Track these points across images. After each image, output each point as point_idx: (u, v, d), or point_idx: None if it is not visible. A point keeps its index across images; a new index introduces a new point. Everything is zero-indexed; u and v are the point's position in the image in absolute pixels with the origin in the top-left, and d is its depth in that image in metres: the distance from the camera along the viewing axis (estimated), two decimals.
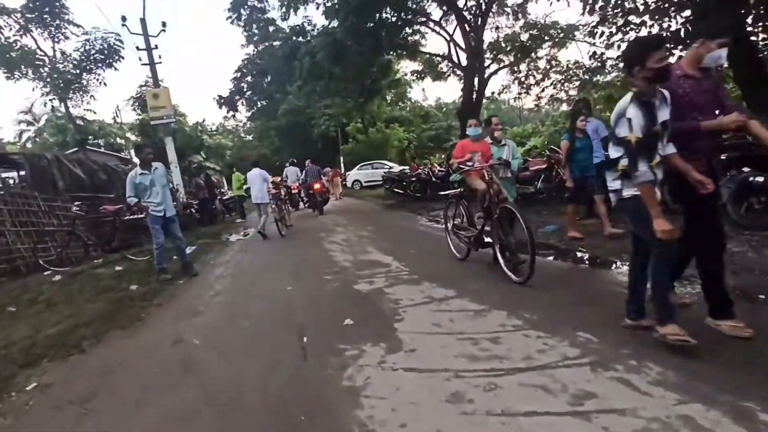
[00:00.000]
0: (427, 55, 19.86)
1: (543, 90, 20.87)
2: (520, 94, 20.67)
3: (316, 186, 11.98)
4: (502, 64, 18.59)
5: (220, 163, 41.35)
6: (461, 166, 5.06)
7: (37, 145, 40.84)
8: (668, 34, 11.68)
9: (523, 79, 19.40)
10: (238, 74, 18.51)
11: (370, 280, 5.12)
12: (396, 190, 15.26)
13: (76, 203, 8.63)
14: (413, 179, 14.94)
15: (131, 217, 8.54)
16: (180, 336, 3.87)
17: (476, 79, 17.42)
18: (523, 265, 4.42)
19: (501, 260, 4.67)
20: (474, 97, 17.47)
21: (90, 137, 40.41)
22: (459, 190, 5.54)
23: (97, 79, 14.27)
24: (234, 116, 19.32)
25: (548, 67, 20.20)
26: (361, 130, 35.09)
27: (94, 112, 14.04)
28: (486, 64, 17.86)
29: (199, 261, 7.61)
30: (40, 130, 44.77)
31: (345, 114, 34.76)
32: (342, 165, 32.13)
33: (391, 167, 24.57)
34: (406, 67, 21.75)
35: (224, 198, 17.43)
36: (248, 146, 54.57)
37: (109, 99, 62.42)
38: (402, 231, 8.91)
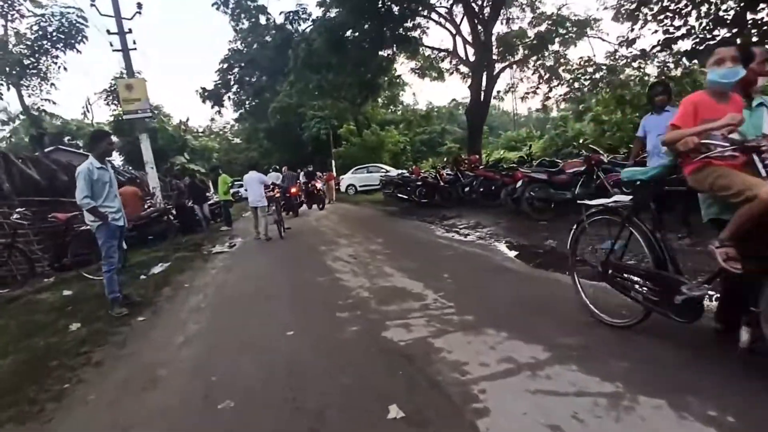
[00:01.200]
0: (431, 50, 18.51)
1: (551, 90, 19.69)
2: (527, 93, 19.41)
3: (293, 190, 11.92)
4: (511, 60, 17.27)
5: (206, 165, 39.55)
6: (703, 144, 2.34)
7: (11, 145, 38.58)
8: (709, 24, 10.51)
9: (543, 74, 18.03)
10: (225, 65, 16.73)
11: (404, 322, 3.64)
12: (399, 195, 13.79)
13: (18, 210, 7.01)
14: (419, 184, 13.50)
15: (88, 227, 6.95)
16: None
17: (485, 77, 16.11)
18: None
19: None
20: (482, 95, 16.16)
21: (68, 137, 38.37)
22: (627, 200, 3.01)
23: (56, 63, 12.27)
24: (219, 112, 17.64)
25: (556, 65, 19.01)
26: (355, 133, 33.63)
27: (54, 103, 11.89)
28: (495, 59, 16.54)
29: (172, 284, 6.04)
30: (16, 129, 42.51)
31: (338, 115, 33.29)
32: (334, 169, 30.71)
33: (387, 171, 23.21)
34: (404, 64, 20.33)
35: (210, 203, 15.80)
36: (236, 149, 52.82)
37: (80, 92, 59.12)
38: (420, 245, 7.42)
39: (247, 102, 28.25)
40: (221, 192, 13.28)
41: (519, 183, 8.15)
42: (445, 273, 5.14)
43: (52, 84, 11.87)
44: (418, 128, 43.08)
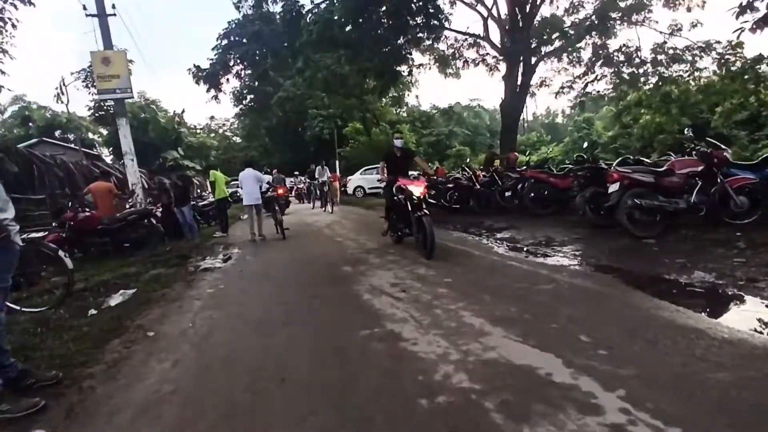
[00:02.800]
0: (456, 36, 16.41)
1: (586, 86, 17.63)
2: (563, 88, 17.32)
3: (280, 191, 11.28)
4: (552, 47, 15.18)
5: (203, 163, 37.46)
6: None
7: None
8: None
9: (588, 64, 15.84)
10: (224, 42, 14.43)
11: None
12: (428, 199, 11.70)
13: None
14: (450, 186, 11.42)
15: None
16: None
17: (521, 66, 14.09)
18: None
19: None
20: (519, 87, 14.13)
21: (58, 131, 36.18)
22: None
23: (3, 21, 9.60)
24: (216, 98, 15.27)
25: (595, 57, 16.93)
26: (362, 132, 31.57)
27: (3, 73, 9.31)
28: (534, 46, 14.46)
29: (129, 330, 3.89)
30: (5, 122, 40.33)
31: (344, 113, 31.24)
32: (338, 169, 28.80)
33: None
34: (426, 53, 18.20)
35: (201, 204, 13.71)
36: (235, 147, 50.82)
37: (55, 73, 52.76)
38: (492, 272, 5.28)
39: (247, 94, 26.09)
40: (217, 190, 11.15)
41: (614, 187, 6.05)
42: (579, 332, 3.04)
43: (4, 51, 9.55)
44: (424, 129, 41.46)
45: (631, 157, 7.84)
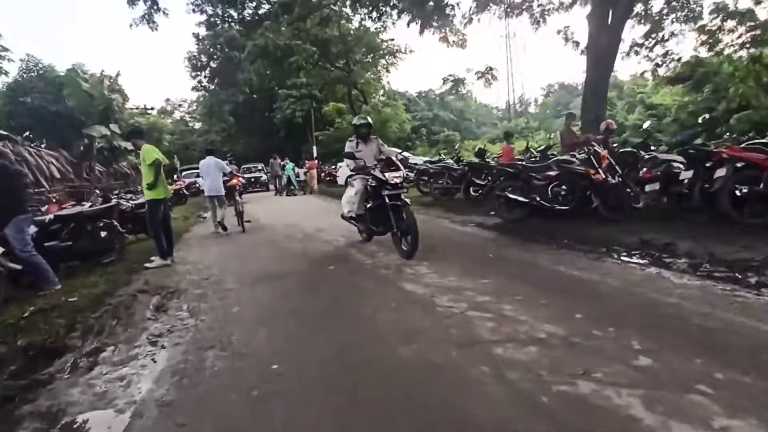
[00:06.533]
0: None
1: (654, 45, 13.61)
2: (633, 46, 13.25)
3: (234, 181, 10.45)
4: None
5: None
6: None
7: None
8: None
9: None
10: None
11: None
12: (511, 196, 7.08)
13: None
14: (550, 175, 6.91)
15: None
16: None
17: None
18: None
19: None
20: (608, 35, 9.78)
21: None
22: None
23: None
24: (151, 20, 9.88)
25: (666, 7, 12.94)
26: (345, 111, 26.84)
27: None
28: None
29: None
30: None
31: (326, 87, 26.24)
32: (314, 155, 24.33)
33: (406, 156, 16.71)
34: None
35: (136, 203, 8.63)
36: (194, 132, 44.61)
37: None
38: None
39: (207, 61, 20.66)
40: (146, 181, 6.15)
41: None
42: None
43: None
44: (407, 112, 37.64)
45: None
